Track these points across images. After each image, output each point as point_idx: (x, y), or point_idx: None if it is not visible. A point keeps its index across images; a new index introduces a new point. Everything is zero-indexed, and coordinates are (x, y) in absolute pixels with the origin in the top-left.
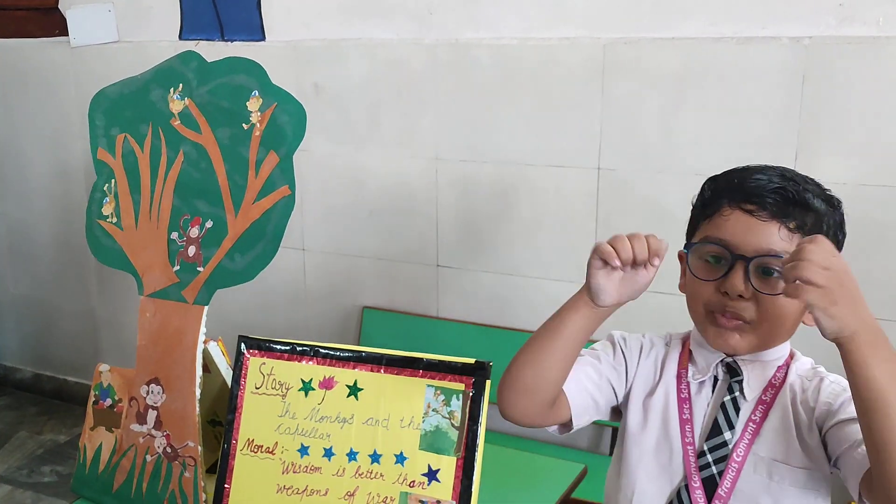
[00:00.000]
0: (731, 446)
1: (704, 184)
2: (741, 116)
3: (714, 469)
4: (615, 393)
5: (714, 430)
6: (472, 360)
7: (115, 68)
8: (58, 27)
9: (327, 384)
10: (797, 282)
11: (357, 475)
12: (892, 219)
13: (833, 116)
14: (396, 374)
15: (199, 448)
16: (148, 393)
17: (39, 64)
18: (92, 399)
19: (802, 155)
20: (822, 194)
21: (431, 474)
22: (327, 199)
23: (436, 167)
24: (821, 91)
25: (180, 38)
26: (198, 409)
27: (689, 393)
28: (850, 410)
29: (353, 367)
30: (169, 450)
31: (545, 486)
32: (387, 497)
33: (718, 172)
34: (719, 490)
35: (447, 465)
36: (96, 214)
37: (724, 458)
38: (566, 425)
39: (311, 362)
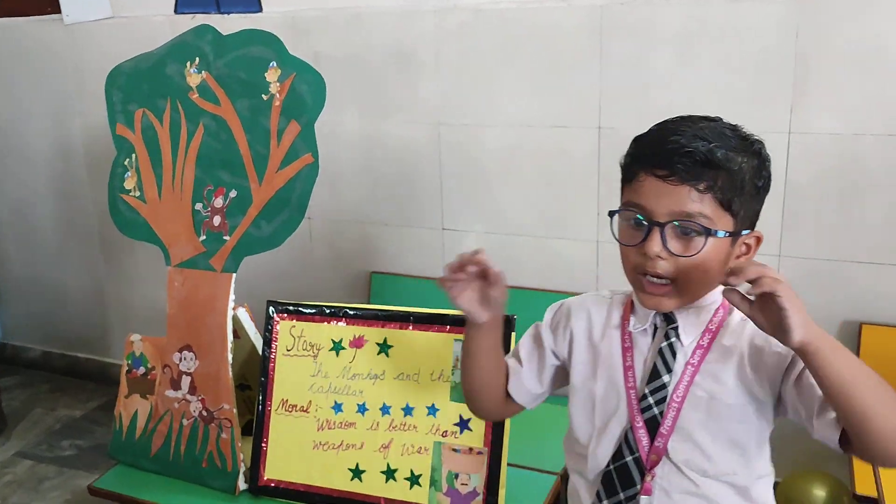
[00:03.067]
0: (670, 388)
1: (630, 145)
2: (737, 72)
3: (655, 410)
4: (553, 371)
5: (654, 374)
6: None
7: (111, 44)
8: (50, 5)
9: (358, 343)
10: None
11: (391, 428)
12: (883, 166)
13: (825, 70)
14: (424, 330)
15: (235, 410)
16: (181, 360)
17: (35, 42)
18: (125, 368)
19: (797, 108)
20: (739, 144)
21: (463, 424)
22: (331, 166)
23: (438, 132)
24: (813, 46)
25: (175, 12)
26: (230, 372)
27: (631, 342)
28: (807, 381)
29: (382, 326)
30: (205, 413)
31: (562, 432)
32: (421, 447)
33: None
34: (661, 428)
35: None
36: (119, 189)
37: (663, 400)
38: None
39: (340, 323)
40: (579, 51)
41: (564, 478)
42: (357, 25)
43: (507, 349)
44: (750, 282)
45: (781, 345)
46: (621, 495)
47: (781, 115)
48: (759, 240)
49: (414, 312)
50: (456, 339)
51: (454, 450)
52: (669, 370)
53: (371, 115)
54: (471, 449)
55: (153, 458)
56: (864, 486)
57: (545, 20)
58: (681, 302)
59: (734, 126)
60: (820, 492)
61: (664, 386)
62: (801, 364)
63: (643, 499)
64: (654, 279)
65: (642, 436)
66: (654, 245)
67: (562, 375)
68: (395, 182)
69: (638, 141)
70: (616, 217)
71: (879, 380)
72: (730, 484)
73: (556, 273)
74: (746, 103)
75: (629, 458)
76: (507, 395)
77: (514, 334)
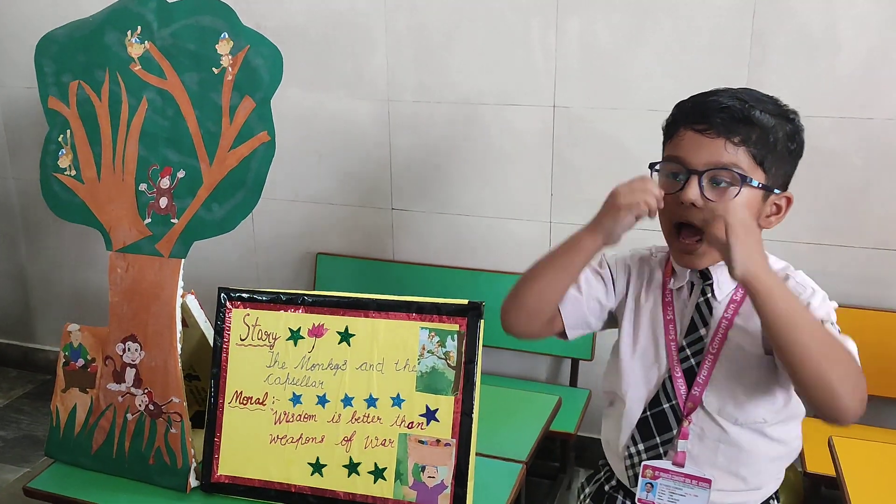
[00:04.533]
0: (706, 341)
1: (672, 109)
2: (693, 51)
3: (693, 361)
4: (603, 308)
5: (692, 327)
6: (465, 302)
7: (30, 9)
8: None
9: (317, 332)
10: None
11: (354, 420)
12: (837, 147)
13: (781, 51)
14: (388, 318)
15: (184, 403)
16: (125, 351)
17: None
18: (62, 360)
19: (752, 87)
20: (774, 109)
21: (430, 414)
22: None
23: (387, 108)
24: (769, 26)
25: None
26: (180, 364)
27: (671, 297)
28: None
29: (343, 314)
30: (152, 407)
31: (527, 419)
32: (385, 439)
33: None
34: (697, 378)
35: (445, 405)
36: (52, 168)
37: (700, 352)
38: (562, 335)
39: (298, 311)
40: (534, 27)
41: (529, 466)
42: None
43: (475, 336)
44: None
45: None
46: (657, 439)
47: None
48: (789, 201)
49: (377, 300)
50: (422, 328)
51: (420, 442)
52: (706, 324)
53: (316, 90)
54: (438, 441)
55: (94, 457)
56: (815, 464)
57: None
58: (711, 259)
59: (770, 96)
60: None
61: (701, 339)
62: None
63: (680, 442)
64: (688, 236)
65: (680, 385)
66: (692, 192)
67: (598, 321)
68: (341, 160)
69: (680, 104)
70: (654, 173)
71: (821, 329)
72: (758, 431)
73: (507, 254)
74: (702, 82)
75: (666, 406)
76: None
77: (482, 321)
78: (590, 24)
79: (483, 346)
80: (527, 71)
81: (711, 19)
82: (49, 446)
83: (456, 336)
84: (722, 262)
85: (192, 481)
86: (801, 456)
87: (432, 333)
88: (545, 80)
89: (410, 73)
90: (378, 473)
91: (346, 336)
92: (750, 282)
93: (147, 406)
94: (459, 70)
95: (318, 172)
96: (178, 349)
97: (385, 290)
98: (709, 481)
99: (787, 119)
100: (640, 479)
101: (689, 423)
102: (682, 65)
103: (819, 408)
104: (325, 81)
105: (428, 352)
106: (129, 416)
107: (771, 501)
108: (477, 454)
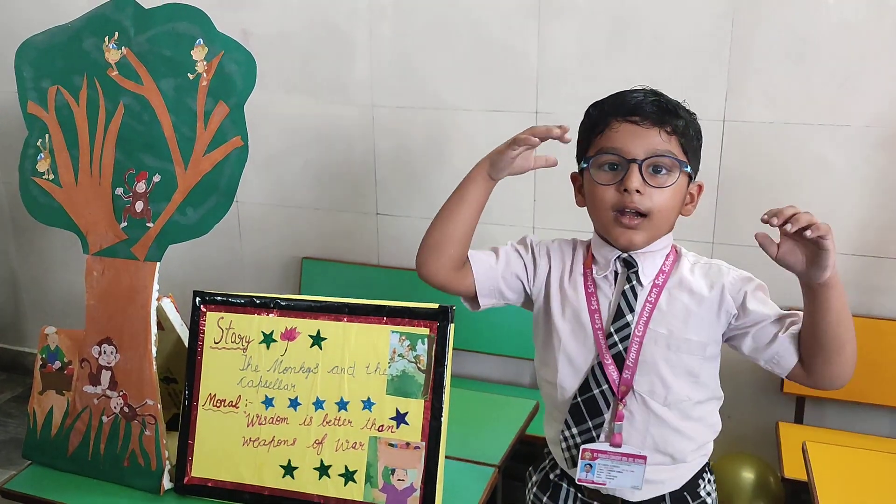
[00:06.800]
0: (633, 326)
1: (589, 108)
2: (673, 58)
3: (620, 346)
4: (524, 286)
5: (618, 314)
6: (435, 306)
7: (20, 13)
8: None
9: (289, 335)
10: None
11: (325, 423)
12: (814, 154)
13: (760, 58)
14: (360, 322)
15: (159, 406)
16: (100, 353)
17: None
18: (39, 363)
19: (732, 95)
20: (684, 108)
21: (400, 418)
22: (260, 149)
23: (371, 114)
24: (748, 34)
25: None
26: (154, 366)
27: (594, 287)
28: (756, 308)
29: (315, 318)
30: (127, 409)
31: (503, 423)
32: (356, 442)
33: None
34: (627, 361)
35: (415, 408)
36: (31, 172)
37: (627, 337)
38: (474, 300)
39: (271, 314)
40: (516, 33)
41: (503, 469)
42: (286, 1)
43: (445, 340)
44: (788, 222)
45: (733, 285)
46: (589, 423)
47: (717, 103)
48: (700, 188)
49: (349, 304)
50: (392, 331)
51: (391, 445)
52: (632, 310)
53: (301, 96)
54: (408, 444)
55: (70, 458)
56: (793, 470)
57: (483, 1)
58: (648, 237)
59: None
60: (748, 474)
61: (627, 325)
62: (753, 309)
63: (616, 425)
64: (632, 218)
65: (612, 371)
66: (635, 179)
67: (516, 297)
68: (326, 165)
69: (601, 102)
70: (590, 167)
71: (848, 311)
72: (683, 411)
73: None
74: (683, 89)
75: (596, 391)
76: (466, 261)
77: (451, 325)
78: (571, 30)
79: (467, 351)
80: (509, 77)
81: (691, 27)
82: (26, 448)
83: (426, 340)
84: (646, 250)
85: (166, 483)
86: (780, 461)
87: (403, 337)
88: (527, 87)
89: (394, 78)
90: (348, 476)
91: (317, 339)
92: (830, 281)
93: (122, 408)
94: (442, 76)
95: (303, 177)
96: (153, 352)
97: (370, 294)
98: (644, 458)
99: (695, 117)
100: (579, 461)
101: (624, 405)
102: (663, 71)
103: (831, 380)
104: (310, 87)
105: (398, 355)
106: (105, 418)
107: (704, 474)
108: (451, 458)
